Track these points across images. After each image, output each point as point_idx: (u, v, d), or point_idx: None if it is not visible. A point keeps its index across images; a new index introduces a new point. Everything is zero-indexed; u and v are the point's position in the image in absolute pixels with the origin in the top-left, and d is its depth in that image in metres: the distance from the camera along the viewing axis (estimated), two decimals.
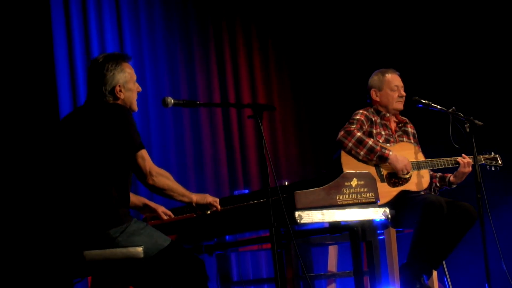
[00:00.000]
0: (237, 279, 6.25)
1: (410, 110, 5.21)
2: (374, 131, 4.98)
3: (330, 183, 3.81)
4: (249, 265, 6.76)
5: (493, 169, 5.13)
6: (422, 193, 4.92)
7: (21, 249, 5.33)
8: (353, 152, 4.82)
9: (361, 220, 3.90)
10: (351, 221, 3.88)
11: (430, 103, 5.01)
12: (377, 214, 3.91)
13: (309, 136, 7.28)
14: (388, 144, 4.94)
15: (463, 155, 4.98)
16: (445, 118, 4.97)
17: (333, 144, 4.97)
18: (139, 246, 3.63)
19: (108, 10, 6.28)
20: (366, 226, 3.97)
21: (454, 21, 7.09)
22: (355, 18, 7.40)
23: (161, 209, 4.15)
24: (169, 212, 4.17)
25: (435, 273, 4.96)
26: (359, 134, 4.85)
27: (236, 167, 6.82)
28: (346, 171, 4.12)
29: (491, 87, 6.92)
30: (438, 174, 5.10)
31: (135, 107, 3.86)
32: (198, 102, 3.86)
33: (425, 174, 4.98)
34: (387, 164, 4.85)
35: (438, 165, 4.98)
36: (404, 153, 4.93)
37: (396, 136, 5.06)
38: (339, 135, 4.88)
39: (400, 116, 5.16)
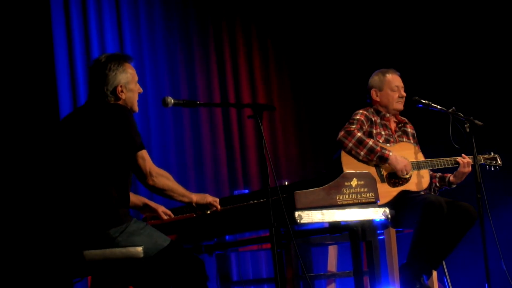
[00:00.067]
0: (237, 279, 6.25)
1: (410, 110, 5.21)
2: (374, 131, 4.98)
3: (330, 183, 3.81)
4: (249, 265, 6.76)
5: (492, 169, 5.13)
6: (422, 193, 4.93)
7: (21, 249, 5.33)
8: (353, 152, 4.83)
9: (361, 220, 3.90)
10: (351, 221, 3.88)
11: (430, 103, 5.01)
12: (377, 214, 3.91)
13: (309, 136, 7.28)
14: (388, 144, 4.94)
15: (462, 155, 4.98)
16: (445, 118, 4.97)
17: (333, 144, 4.97)
18: (139, 246, 3.63)
19: (108, 10, 6.28)
20: (366, 226, 3.97)
21: (454, 21, 7.09)
22: (355, 18, 7.40)
23: (161, 209, 4.15)
24: (169, 212, 4.17)
25: (435, 273, 4.96)
26: (359, 134, 4.85)
27: (236, 167, 6.83)
28: (346, 171, 4.12)
29: (491, 87, 6.92)
30: (438, 174, 5.10)
31: (136, 108, 3.86)
32: (198, 102, 3.86)
33: (425, 174, 4.98)
34: (387, 164, 4.85)
35: (438, 165, 4.98)
36: (404, 153, 4.93)
37: (396, 136, 5.06)
38: (339, 135, 4.88)
39: (399, 116, 5.17)
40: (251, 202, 4.02)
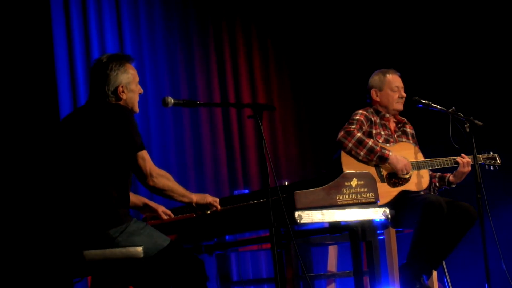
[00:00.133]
0: (237, 279, 6.25)
1: (410, 110, 5.21)
2: (374, 131, 4.98)
3: (330, 183, 3.81)
4: (249, 265, 6.76)
5: (492, 168, 5.12)
6: (422, 193, 4.92)
7: (21, 249, 5.33)
8: (353, 152, 4.82)
9: (361, 220, 3.90)
10: (351, 221, 3.88)
11: (430, 103, 5.01)
12: (377, 214, 3.91)
13: (309, 136, 7.28)
14: (387, 144, 4.94)
15: (462, 154, 4.98)
16: (445, 118, 4.97)
17: (333, 144, 4.97)
18: (139, 246, 3.63)
19: (108, 10, 6.28)
20: (366, 226, 3.97)
21: (454, 21, 7.09)
22: (355, 18, 7.40)
23: (161, 209, 4.15)
24: (169, 212, 4.17)
25: (435, 273, 4.96)
26: (359, 134, 4.85)
27: (236, 167, 6.82)
28: (346, 171, 4.12)
29: (491, 87, 6.92)
30: (438, 174, 5.10)
31: (136, 108, 3.86)
32: (198, 102, 3.86)
33: (425, 174, 4.98)
34: (387, 164, 4.85)
35: (437, 165, 4.98)
36: (404, 153, 4.93)
37: (395, 136, 5.06)
38: (339, 136, 4.88)
39: (399, 116, 5.17)
40: (251, 202, 4.02)
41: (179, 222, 4.14)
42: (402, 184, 4.87)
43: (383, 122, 5.07)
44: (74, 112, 3.98)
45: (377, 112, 5.09)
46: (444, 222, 4.60)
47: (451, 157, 5.00)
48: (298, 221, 3.68)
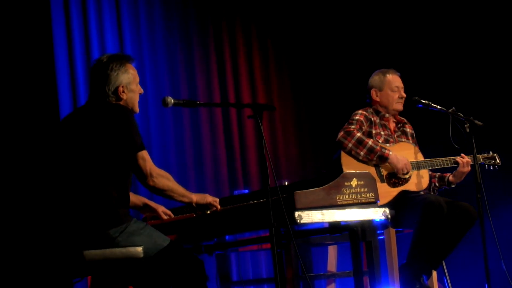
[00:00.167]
0: (236, 279, 6.26)
1: (410, 110, 5.21)
2: (374, 132, 4.98)
3: (330, 183, 3.81)
4: (249, 265, 6.77)
5: (491, 168, 5.12)
6: (422, 193, 4.92)
7: (21, 249, 5.33)
8: (353, 152, 4.82)
9: (361, 220, 3.90)
10: (351, 221, 3.88)
11: (430, 103, 5.01)
12: (377, 214, 3.91)
13: (309, 136, 7.28)
14: (387, 144, 4.94)
15: (462, 154, 4.98)
16: (445, 118, 4.97)
17: (333, 144, 4.97)
18: (138, 246, 3.63)
19: (108, 10, 6.28)
20: (366, 226, 3.97)
21: (454, 21, 7.09)
22: (355, 18, 7.40)
23: (161, 209, 4.16)
24: (169, 212, 4.17)
25: (434, 273, 4.96)
26: (358, 134, 4.85)
27: (236, 167, 6.83)
28: (346, 171, 4.12)
29: (491, 87, 6.92)
30: (437, 174, 5.10)
31: (137, 109, 3.86)
32: (198, 102, 3.86)
33: (425, 174, 4.98)
34: (387, 164, 4.85)
35: (437, 165, 4.98)
36: (404, 153, 4.93)
37: (395, 136, 5.06)
38: (339, 136, 4.88)
39: (398, 116, 5.17)
40: (251, 202, 4.02)
41: (179, 222, 4.15)
42: (402, 184, 4.87)
43: (382, 122, 5.07)
44: (74, 112, 3.98)
45: (377, 112, 5.09)
46: (444, 222, 4.60)
47: (451, 157, 5.00)
48: (298, 221, 3.68)
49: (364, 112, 5.02)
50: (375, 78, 5.15)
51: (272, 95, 7.13)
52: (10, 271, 5.29)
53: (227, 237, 4.94)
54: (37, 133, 5.59)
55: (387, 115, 5.09)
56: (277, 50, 7.24)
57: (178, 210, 4.29)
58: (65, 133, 3.77)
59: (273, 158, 6.85)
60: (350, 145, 4.82)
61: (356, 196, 3.85)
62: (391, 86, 5.09)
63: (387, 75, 5.12)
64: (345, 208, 3.82)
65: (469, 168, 4.95)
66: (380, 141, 4.95)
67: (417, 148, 5.06)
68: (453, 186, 5.07)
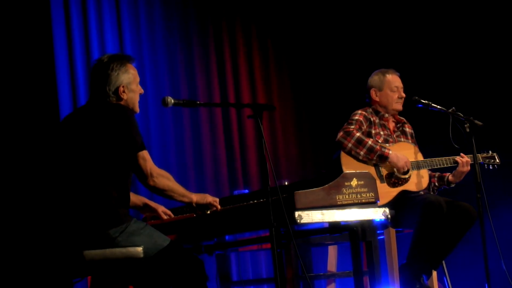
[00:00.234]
0: (236, 279, 6.26)
1: (410, 110, 5.21)
2: (373, 131, 4.98)
3: (330, 183, 3.81)
4: (248, 265, 6.77)
5: (491, 167, 5.12)
6: (422, 193, 4.93)
7: (21, 249, 5.33)
8: (353, 152, 4.82)
9: (361, 220, 3.90)
10: (351, 221, 3.88)
11: (430, 103, 5.01)
12: (377, 214, 3.91)
13: (309, 136, 7.28)
14: (387, 144, 4.94)
15: (461, 154, 4.98)
16: (445, 118, 4.97)
17: (332, 144, 4.97)
18: (138, 246, 3.63)
19: (108, 10, 6.28)
20: (366, 226, 3.97)
21: (454, 21, 7.09)
22: (355, 18, 7.41)
23: (161, 209, 4.16)
24: (169, 212, 4.17)
25: (434, 273, 4.97)
26: (358, 134, 4.85)
27: (236, 167, 6.83)
28: (346, 171, 4.12)
29: (491, 87, 6.92)
30: (437, 174, 5.10)
31: (137, 109, 3.86)
32: (198, 102, 3.86)
33: (425, 174, 4.98)
34: (387, 163, 4.85)
35: (437, 165, 4.98)
36: (403, 153, 4.93)
37: (394, 136, 5.06)
38: (338, 136, 4.88)
39: (398, 116, 5.17)
40: (251, 202, 4.02)
41: (179, 222, 4.15)
42: (401, 184, 4.87)
43: (382, 122, 5.07)
44: (75, 112, 3.98)
45: (376, 112, 5.09)
46: (444, 222, 4.60)
47: (450, 157, 5.00)
48: (298, 221, 3.68)
49: (364, 112, 5.02)
50: (374, 78, 5.15)
51: (272, 95, 7.13)
52: (10, 271, 5.29)
53: (227, 237, 4.94)
54: (37, 133, 5.59)
55: (386, 115, 5.09)
56: (277, 50, 7.24)
57: (178, 210, 4.29)
58: (65, 133, 3.77)
59: (273, 158, 6.85)
60: (349, 145, 4.82)
61: (356, 196, 3.85)
62: (391, 86, 5.09)
63: (387, 75, 5.12)
64: (345, 208, 3.82)
65: (469, 167, 4.95)
66: (380, 141, 4.95)
67: (416, 148, 5.06)
68: (452, 185, 5.07)
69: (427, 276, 4.73)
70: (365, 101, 5.17)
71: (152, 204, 4.15)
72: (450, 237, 4.67)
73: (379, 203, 3.95)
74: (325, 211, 3.76)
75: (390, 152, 4.84)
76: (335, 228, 3.93)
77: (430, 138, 5.88)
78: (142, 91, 3.89)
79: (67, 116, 3.90)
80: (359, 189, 3.86)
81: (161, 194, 3.71)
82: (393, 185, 4.86)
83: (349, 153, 4.83)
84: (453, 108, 4.95)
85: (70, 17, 6.07)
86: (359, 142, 4.82)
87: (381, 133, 5.00)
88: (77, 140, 3.70)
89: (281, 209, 3.63)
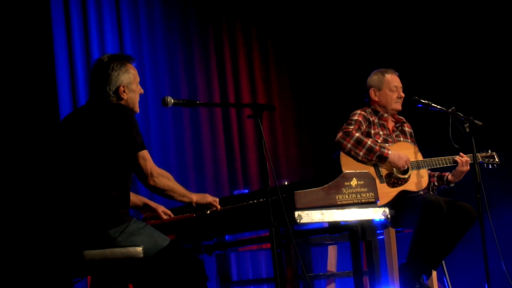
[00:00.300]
0: (236, 279, 6.26)
1: (410, 110, 5.21)
2: (372, 131, 4.98)
3: (330, 183, 3.81)
4: (248, 265, 6.77)
5: (490, 167, 5.12)
6: (421, 192, 4.92)
7: (21, 249, 5.33)
8: (352, 153, 4.82)
9: (360, 220, 3.90)
10: (350, 221, 3.88)
11: (430, 103, 5.01)
12: (377, 214, 3.91)
13: (309, 136, 7.28)
14: (386, 144, 4.94)
15: (460, 153, 4.98)
16: (444, 118, 4.97)
17: (332, 144, 4.97)
18: (138, 246, 3.63)
19: (108, 10, 6.28)
20: (366, 226, 3.98)
21: (454, 21, 7.09)
22: (354, 18, 7.41)
23: (161, 209, 4.16)
24: (169, 212, 4.18)
25: (434, 273, 4.97)
26: (357, 134, 4.85)
27: (236, 167, 6.83)
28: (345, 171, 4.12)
29: (491, 87, 6.92)
30: (436, 173, 5.10)
31: (137, 109, 3.87)
32: (198, 102, 3.86)
33: (424, 173, 4.98)
34: (386, 163, 4.85)
35: (436, 164, 4.98)
36: (403, 152, 4.92)
37: (393, 136, 5.06)
38: (338, 137, 4.87)
39: (397, 115, 5.17)
40: (251, 202, 4.02)
41: (179, 222, 4.15)
42: (401, 184, 4.87)
43: (381, 122, 5.07)
44: (75, 112, 3.99)
45: (376, 112, 5.09)
46: (444, 222, 4.60)
47: (450, 156, 5.00)
48: (298, 221, 3.68)
49: (363, 112, 5.02)
50: (373, 78, 5.15)
51: (272, 95, 7.13)
52: (10, 271, 5.29)
53: (227, 237, 4.94)
54: (37, 133, 5.58)
55: (385, 115, 5.09)
56: (277, 50, 7.24)
57: (178, 210, 4.29)
58: (65, 133, 3.77)
59: (273, 158, 6.85)
60: (349, 145, 4.82)
61: (356, 196, 3.85)
62: (390, 86, 5.09)
63: (386, 75, 5.12)
64: (344, 208, 3.82)
65: (468, 167, 4.95)
66: (379, 141, 4.95)
67: (416, 148, 5.06)
68: (452, 185, 5.07)
69: (427, 276, 4.73)
70: (364, 101, 5.17)
71: (152, 204, 4.16)
72: (450, 237, 4.67)
73: (378, 203, 3.95)
74: (325, 211, 3.76)
75: (390, 152, 4.84)
76: (335, 228, 3.93)
77: (430, 138, 5.88)
78: (142, 91, 3.90)
79: (67, 116, 3.90)
80: (359, 189, 3.86)
81: (161, 194, 3.71)
82: (392, 185, 4.86)
83: (348, 153, 4.83)
84: (453, 108, 4.94)
85: (70, 17, 6.07)
86: (359, 143, 4.82)
87: (380, 133, 5.01)
88: (77, 140, 3.70)
89: (281, 209, 3.63)
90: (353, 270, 4.03)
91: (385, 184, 4.84)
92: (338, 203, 3.80)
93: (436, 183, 5.08)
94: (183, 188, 3.75)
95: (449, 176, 5.03)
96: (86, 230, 3.61)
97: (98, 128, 3.67)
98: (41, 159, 5.47)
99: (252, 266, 6.79)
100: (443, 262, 4.93)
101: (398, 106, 5.10)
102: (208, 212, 3.82)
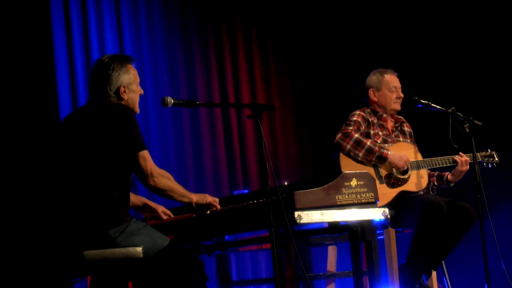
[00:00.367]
0: (236, 279, 6.26)
1: (409, 110, 5.21)
2: (372, 132, 4.98)
3: (330, 183, 3.81)
4: (248, 265, 6.77)
5: (490, 166, 5.12)
6: (421, 193, 4.92)
7: (21, 249, 5.33)
8: (351, 154, 4.82)
9: (360, 220, 3.90)
10: (350, 221, 3.88)
11: (430, 103, 5.01)
12: (377, 214, 3.91)
13: (309, 136, 7.28)
14: (386, 145, 4.94)
15: (460, 153, 4.98)
16: (444, 118, 4.97)
17: (332, 145, 4.97)
18: (138, 246, 3.63)
19: (108, 10, 6.28)
20: (366, 226, 3.98)
21: (454, 21, 7.09)
22: (354, 18, 7.41)
23: (160, 209, 4.16)
24: (168, 212, 4.18)
25: (434, 273, 4.97)
26: (356, 135, 4.85)
27: (235, 167, 6.83)
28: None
29: (491, 87, 6.92)
30: (436, 173, 5.10)
31: (137, 109, 3.87)
32: (198, 102, 3.86)
33: (424, 173, 4.98)
34: (386, 164, 4.85)
35: (436, 164, 4.97)
36: (403, 153, 4.92)
37: (393, 136, 5.06)
38: (337, 138, 4.87)
39: (396, 115, 5.16)
40: (251, 202, 4.02)
41: (178, 222, 4.15)
42: (401, 185, 4.87)
43: (380, 122, 5.07)
44: (75, 112, 3.99)
45: (375, 113, 5.09)
46: (444, 222, 4.60)
47: (449, 156, 5.00)
48: (298, 221, 3.68)
49: (362, 113, 5.02)
50: (372, 78, 5.14)
51: (272, 95, 7.13)
52: (10, 271, 5.29)
53: (226, 237, 4.94)
54: (37, 133, 5.58)
55: (384, 115, 5.09)
56: (277, 50, 7.24)
57: (177, 210, 4.29)
58: (65, 133, 3.77)
59: (272, 158, 6.85)
60: (348, 146, 4.82)
61: (356, 196, 3.85)
62: (389, 86, 5.09)
63: (385, 75, 5.11)
64: (344, 208, 3.82)
65: (468, 167, 4.95)
66: (379, 141, 4.95)
67: (415, 148, 5.06)
68: (451, 184, 5.07)
69: (426, 276, 4.73)
70: (363, 101, 5.17)
71: (152, 204, 4.16)
72: (450, 237, 4.67)
73: (378, 204, 3.95)
74: (324, 211, 3.76)
75: (389, 152, 4.83)
76: (335, 228, 3.93)
77: (430, 138, 5.88)
78: (142, 91, 3.90)
79: (67, 116, 3.90)
80: (358, 189, 3.86)
81: (161, 194, 3.71)
82: (392, 185, 4.86)
83: (348, 154, 4.83)
84: (453, 108, 4.94)
85: (70, 17, 6.07)
86: (358, 144, 4.81)
87: (380, 133, 5.00)
88: (78, 140, 3.70)
89: (281, 209, 3.63)
90: (353, 270, 4.03)
91: (384, 184, 4.84)
92: (338, 203, 3.80)
93: (435, 183, 5.08)
94: (183, 188, 3.75)
95: (448, 175, 5.03)
96: (86, 230, 3.61)
97: (98, 128, 3.67)
98: (41, 159, 5.47)
99: (252, 266, 6.79)
100: (443, 262, 4.93)
101: (397, 106, 5.10)
102: (208, 212, 3.83)
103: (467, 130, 4.80)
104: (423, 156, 5.01)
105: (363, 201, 3.86)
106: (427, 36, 7.18)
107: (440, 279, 5.09)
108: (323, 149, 7.17)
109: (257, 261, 6.81)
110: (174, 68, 6.64)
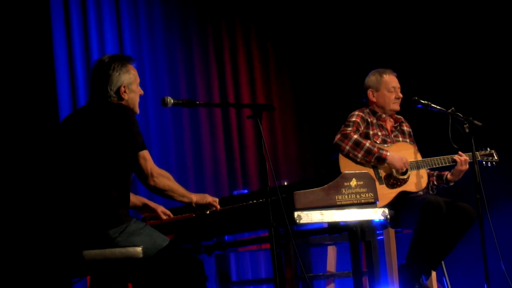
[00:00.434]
0: (236, 279, 6.25)
1: (409, 110, 5.21)
2: (371, 132, 4.98)
3: (329, 183, 3.81)
4: (248, 265, 6.77)
5: (489, 165, 5.12)
6: (421, 193, 4.92)
7: (21, 249, 5.33)
8: (350, 155, 4.82)
9: (360, 221, 3.90)
10: (350, 221, 3.88)
11: (429, 103, 5.01)
12: (376, 214, 3.91)
13: (309, 136, 7.28)
14: (385, 145, 4.94)
15: (459, 152, 4.98)
16: (444, 118, 4.97)
17: (331, 145, 4.96)
18: (138, 246, 3.63)
19: (108, 10, 6.28)
20: (365, 227, 3.98)
21: (454, 21, 7.09)
22: (354, 18, 7.41)
23: (160, 209, 4.16)
24: (168, 212, 4.18)
25: (434, 274, 4.97)
26: (355, 136, 4.84)
27: (235, 167, 6.82)
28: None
29: (490, 87, 6.92)
30: (435, 173, 5.10)
31: (137, 109, 3.87)
32: (198, 102, 3.87)
33: (424, 173, 4.98)
34: (385, 165, 4.85)
35: (435, 164, 4.97)
36: (403, 153, 4.93)
37: (392, 136, 5.06)
38: (336, 139, 4.87)
39: (395, 115, 5.16)
40: (251, 202, 4.03)
41: (178, 222, 4.15)
42: (400, 185, 4.87)
43: (379, 122, 5.07)
44: (75, 112, 3.99)
45: (374, 113, 5.09)
46: (443, 222, 4.60)
47: (449, 156, 5.00)
48: (297, 221, 3.68)
49: (361, 113, 5.02)
50: (371, 78, 5.14)
51: (272, 95, 7.13)
52: (10, 271, 5.29)
53: (226, 237, 4.94)
54: (37, 133, 5.58)
55: (384, 115, 5.08)
56: (276, 50, 7.24)
57: (177, 210, 4.29)
58: (66, 133, 3.77)
59: (272, 158, 6.85)
60: (347, 147, 4.82)
61: (356, 196, 3.85)
62: (388, 87, 5.09)
63: (384, 76, 5.11)
64: (344, 208, 3.82)
65: (467, 166, 4.95)
66: (378, 141, 4.95)
67: (415, 148, 5.06)
68: (451, 184, 5.07)
69: (426, 277, 4.73)
70: (362, 102, 5.17)
71: (152, 204, 4.16)
72: (449, 237, 4.67)
73: (378, 205, 3.95)
74: (324, 211, 3.77)
75: (388, 153, 4.83)
76: (335, 228, 3.93)
77: (430, 139, 5.88)
78: (142, 92, 3.90)
79: (67, 116, 3.91)
80: (358, 189, 3.86)
81: (161, 194, 3.71)
82: (391, 186, 4.86)
83: (347, 155, 4.83)
84: (453, 108, 4.94)
85: (70, 17, 6.07)
86: (357, 145, 4.81)
87: (379, 133, 5.00)
88: (78, 140, 3.71)
89: (281, 209, 3.63)
90: (352, 270, 4.03)
91: (384, 185, 4.84)
92: (338, 203, 3.80)
93: (435, 182, 5.08)
94: (183, 188, 3.76)
95: (448, 175, 5.03)
96: (86, 230, 3.61)
97: (98, 128, 3.67)
98: (41, 159, 5.47)
99: (252, 266, 6.79)
100: (443, 262, 4.93)
101: (396, 106, 5.10)
102: (208, 212, 3.83)
103: (467, 130, 4.80)
104: (423, 156, 5.01)
105: (362, 201, 3.86)
106: (427, 36, 7.18)
107: (439, 279, 5.09)
108: (323, 149, 7.17)
109: (257, 261, 6.81)
110: (174, 68, 6.64)
